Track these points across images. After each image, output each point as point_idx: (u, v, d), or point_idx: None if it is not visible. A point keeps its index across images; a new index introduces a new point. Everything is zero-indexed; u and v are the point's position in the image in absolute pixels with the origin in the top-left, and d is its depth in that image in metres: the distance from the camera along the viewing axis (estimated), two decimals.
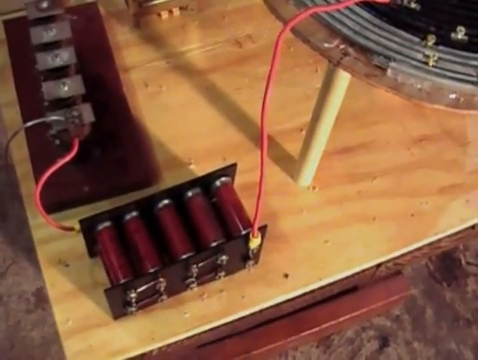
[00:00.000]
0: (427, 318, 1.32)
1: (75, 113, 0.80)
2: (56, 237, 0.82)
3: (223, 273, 0.79)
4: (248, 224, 0.78)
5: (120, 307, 0.76)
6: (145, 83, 0.94)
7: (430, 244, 0.88)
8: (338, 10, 0.67)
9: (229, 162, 0.87)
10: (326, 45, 0.66)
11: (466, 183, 0.90)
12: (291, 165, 0.88)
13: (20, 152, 0.87)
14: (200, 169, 0.87)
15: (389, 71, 0.64)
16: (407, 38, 0.66)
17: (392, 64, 0.64)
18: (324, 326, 1.23)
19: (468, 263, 1.38)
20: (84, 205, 0.84)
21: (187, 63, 0.96)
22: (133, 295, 0.73)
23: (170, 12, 0.97)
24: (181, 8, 0.97)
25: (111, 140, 0.87)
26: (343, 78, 0.72)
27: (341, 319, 1.24)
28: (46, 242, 0.83)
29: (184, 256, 0.75)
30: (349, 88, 0.96)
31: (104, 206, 0.84)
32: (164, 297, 0.77)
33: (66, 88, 0.82)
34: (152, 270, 0.74)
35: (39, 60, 0.83)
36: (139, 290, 0.74)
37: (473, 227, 0.89)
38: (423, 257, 0.90)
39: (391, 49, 0.65)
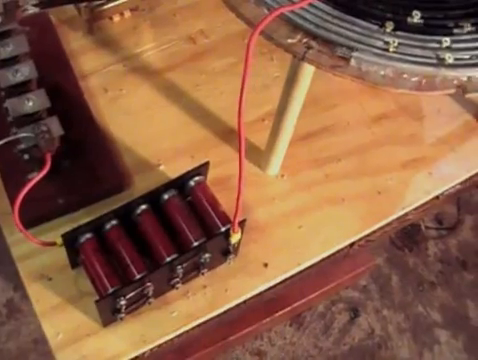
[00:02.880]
0: (393, 285, 1.37)
1: (44, 128, 0.80)
2: (36, 252, 0.82)
3: (206, 270, 0.81)
4: (226, 220, 0.80)
5: (109, 315, 0.77)
6: (104, 88, 0.94)
7: (398, 218, 0.91)
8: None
9: (197, 159, 0.89)
10: (289, 41, 0.68)
11: (427, 156, 0.94)
12: (258, 155, 0.90)
13: None
14: (170, 169, 0.88)
15: (352, 61, 0.67)
16: (366, 27, 0.69)
17: (355, 54, 0.66)
18: (295, 305, 1.26)
19: (427, 227, 1.43)
20: (60, 217, 0.85)
21: (144, 64, 0.96)
22: (123, 302, 0.74)
23: (121, 15, 0.97)
24: (132, 9, 0.97)
25: (78, 149, 0.86)
26: (308, 71, 0.74)
27: (311, 296, 1.27)
28: (26, 258, 0.82)
29: (168, 259, 0.76)
30: None
31: (80, 216, 0.85)
32: (151, 299, 0.79)
33: (31, 103, 0.81)
34: (139, 276, 0.75)
35: None
36: (128, 297, 0.75)
37: (437, 197, 0.93)
38: (392, 231, 0.94)
39: (352, 39, 0.68)
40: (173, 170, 0.88)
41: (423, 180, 0.92)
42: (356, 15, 0.69)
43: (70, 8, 0.96)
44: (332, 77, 0.98)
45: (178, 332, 0.81)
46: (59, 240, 0.76)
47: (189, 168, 0.87)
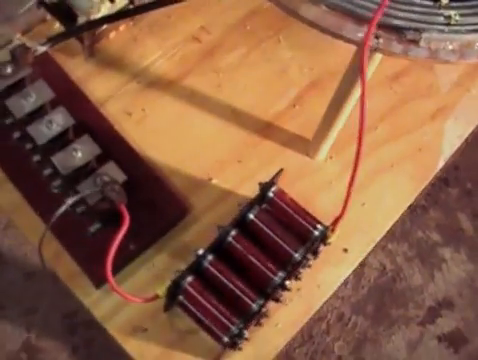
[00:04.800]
0: None
1: (106, 178, 0.74)
2: (118, 307, 0.78)
3: (301, 274, 0.80)
4: (314, 221, 0.78)
5: (227, 350, 0.75)
6: (126, 112, 0.87)
7: (441, 169, 0.94)
8: None
9: (245, 163, 0.87)
10: (359, 35, 0.66)
11: (448, 102, 0.96)
12: (301, 143, 0.88)
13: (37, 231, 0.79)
14: (223, 181, 0.85)
15: (422, 42, 0.66)
16: (423, 4, 0.67)
17: (424, 35, 0.66)
18: None
19: None
20: (132, 262, 0.80)
21: (157, 76, 0.90)
22: (246, 336, 0.72)
23: (116, 29, 0.89)
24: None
25: (129, 187, 0.81)
26: (375, 60, 0.72)
27: None
28: (111, 316, 0.77)
29: (277, 279, 0.74)
30: (317, 47, 0.97)
31: (149, 254, 0.81)
32: (262, 320, 0.77)
33: (80, 154, 0.74)
34: (256, 306, 0.73)
35: (34, 134, 0.75)
36: (249, 328, 0.73)
37: (466, 140, 0.96)
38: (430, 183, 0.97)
39: (416, 20, 0.66)
40: (226, 180, 0.85)
41: (452, 127, 0.94)
42: None
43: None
44: (339, 46, 0.98)
45: (286, 341, 0.80)
46: (161, 291, 0.72)
47: (241, 174, 0.86)
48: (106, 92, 0.88)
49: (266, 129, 0.89)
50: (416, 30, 0.66)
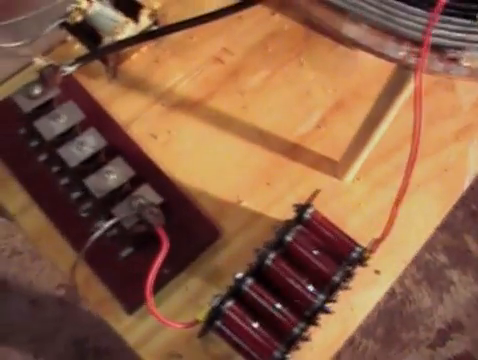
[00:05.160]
0: None
1: (142, 201, 0.71)
2: (151, 333, 0.75)
3: (338, 296, 0.78)
4: (352, 243, 0.77)
5: None
6: (152, 134, 0.85)
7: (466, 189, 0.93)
8: (391, 13, 0.67)
9: (273, 185, 0.85)
10: (401, 53, 0.66)
11: (471, 122, 0.95)
12: (328, 165, 0.87)
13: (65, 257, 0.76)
14: (253, 203, 0.83)
15: (463, 60, 0.65)
16: (460, 23, 0.67)
17: (465, 53, 0.65)
18: None
19: None
20: (165, 285, 0.78)
21: (182, 98, 0.88)
22: None
23: (138, 50, 0.88)
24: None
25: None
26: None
27: None
28: (145, 343, 0.75)
29: (317, 302, 0.73)
30: (339, 68, 0.96)
31: (182, 278, 0.79)
32: (299, 344, 0.75)
33: (114, 176, 0.72)
34: (297, 329, 0.71)
35: (65, 156, 0.72)
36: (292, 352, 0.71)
37: None
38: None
39: (455, 38, 0.66)
40: (256, 203, 0.83)
41: (477, 146, 0.94)
42: (447, 13, 0.68)
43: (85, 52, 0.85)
44: (362, 68, 0.98)
45: None
46: (201, 316, 0.70)
47: (270, 196, 0.84)
48: (130, 114, 0.86)
49: (293, 151, 0.88)
50: (457, 48, 0.65)
